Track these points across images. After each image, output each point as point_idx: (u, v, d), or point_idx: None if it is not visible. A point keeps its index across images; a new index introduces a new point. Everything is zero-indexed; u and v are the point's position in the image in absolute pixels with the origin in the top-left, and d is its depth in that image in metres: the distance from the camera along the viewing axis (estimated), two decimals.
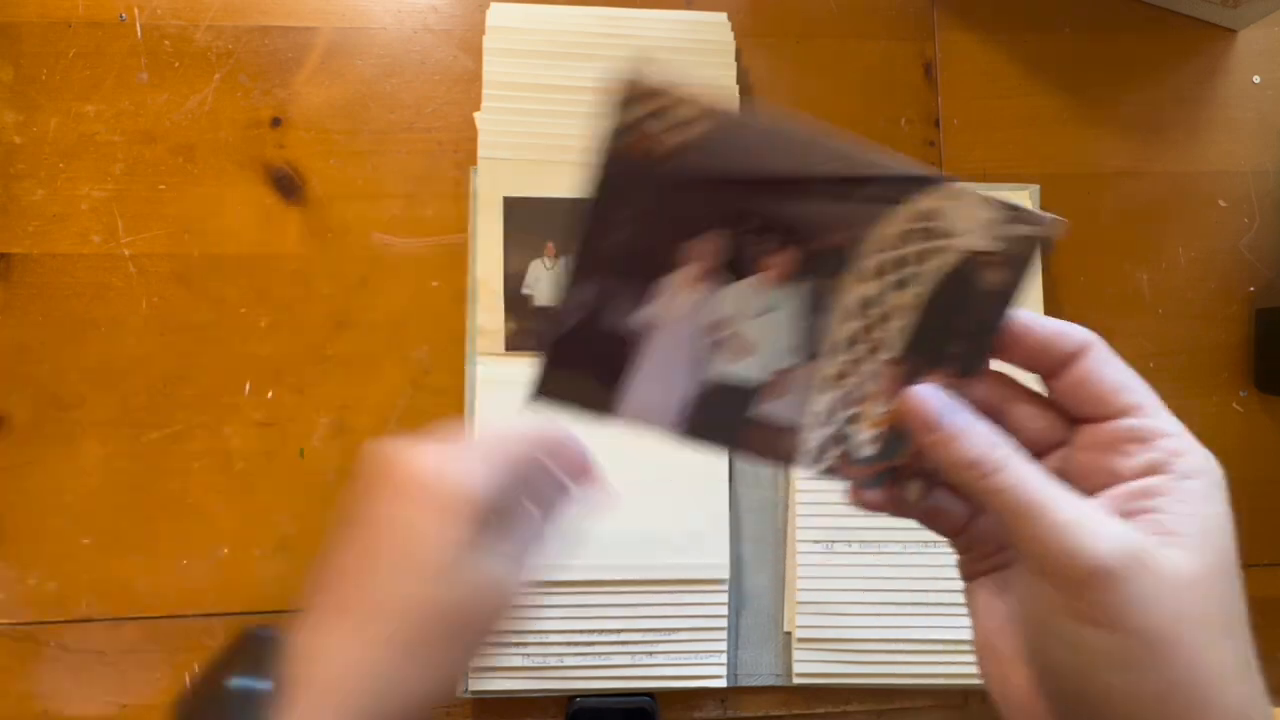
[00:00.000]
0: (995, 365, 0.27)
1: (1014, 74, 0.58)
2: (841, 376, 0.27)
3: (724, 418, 0.28)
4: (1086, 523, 0.23)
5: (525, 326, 0.52)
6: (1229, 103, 0.59)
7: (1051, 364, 0.26)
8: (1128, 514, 0.24)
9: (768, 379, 0.27)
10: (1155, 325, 0.57)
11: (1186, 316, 0.57)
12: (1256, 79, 0.59)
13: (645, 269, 0.26)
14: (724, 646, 0.51)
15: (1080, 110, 0.58)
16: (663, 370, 0.27)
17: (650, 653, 0.50)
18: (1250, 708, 0.23)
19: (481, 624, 0.30)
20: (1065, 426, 0.27)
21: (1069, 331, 0.25)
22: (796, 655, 0.51)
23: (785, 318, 0.27)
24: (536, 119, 0.53)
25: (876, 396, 0.27)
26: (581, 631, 0.50)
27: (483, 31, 0.54)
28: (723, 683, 0.51)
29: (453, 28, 0.55)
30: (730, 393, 0.27)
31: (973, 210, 0.26)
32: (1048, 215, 0.26)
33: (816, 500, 0.52)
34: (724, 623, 0.51)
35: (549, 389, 0.27)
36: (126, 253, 0.52)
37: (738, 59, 0.54)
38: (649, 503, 0.50)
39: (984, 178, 0.56)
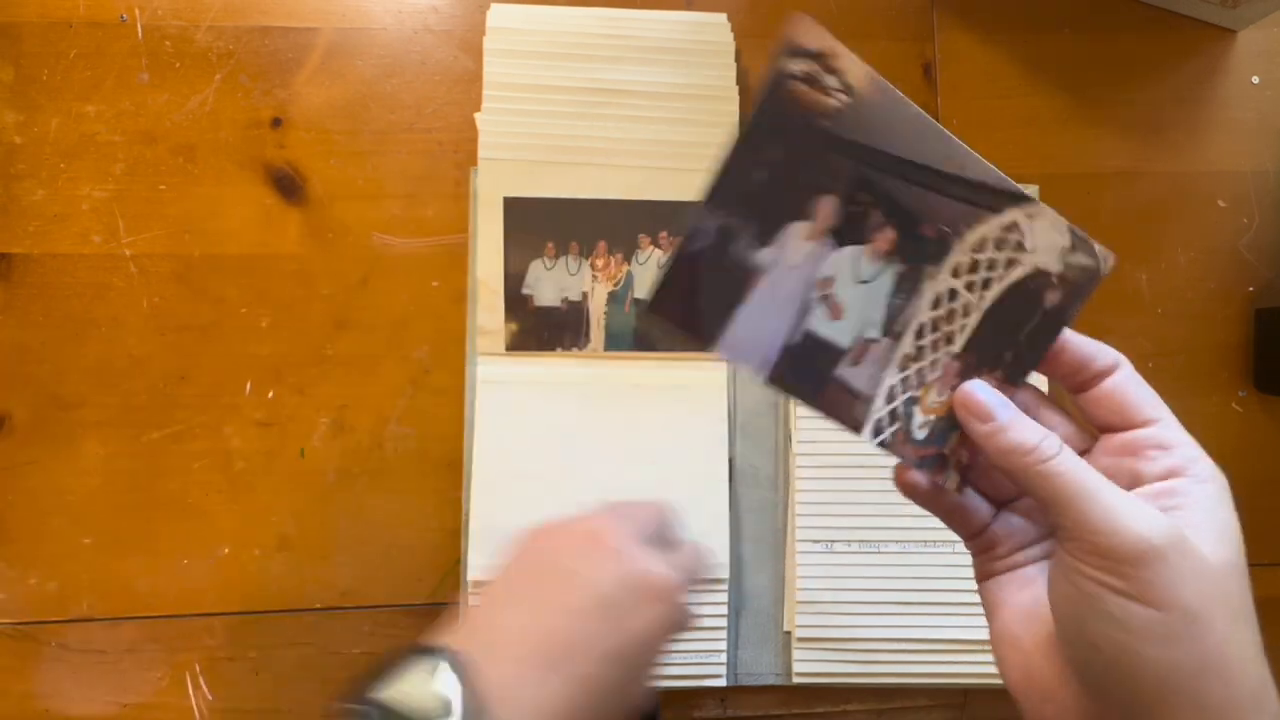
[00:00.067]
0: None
1: (1014, 74, 0.58)
2: (912, 359, 0.29)
3: (810, 371, 0.29)
4: (1133, 508, 0.26)
5: (525, 326, 0.53)
6: (1229, 103, 0.59)
7: (1085, 378, 0.29)
8: None
9: (852, 345, 0.29)
10: (1154, 325, 0.57)
11: (1186, 316, 0.57)
12: (1256, 79, 0.59)
13: (774, 212, 0.28)
14: (724, 646, 0.51)
15: (1080, 110, 0.58)
16: (767, 312, 0.28)
17: None
18: (1266, 685, 0.26)
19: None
20: (1087, 436, 0.30)
21: (1103, 351, 0.29)
22: (796, 655, 0.51)
23: (878, 292, 0.29)
24: (536, 119, 0.53)
25: (934, 385, 0.29)
26: None
27: (483, 32, 0.54)
28: (722, 682, 0.51)
29: (453, 28, 0.55)
30: (820, 348, 0.29)
31: (1049, 231, 0.28)
32: (1101, 249, 0.29)
33: (816, 500, 0.52)
34: (724, 622, 0.51)
35: (662, 307, 0.28)
36: (127, 253, 0.52)
37: (737, 59, 0.54)
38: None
39: None
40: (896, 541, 0.51)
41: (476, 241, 0.53)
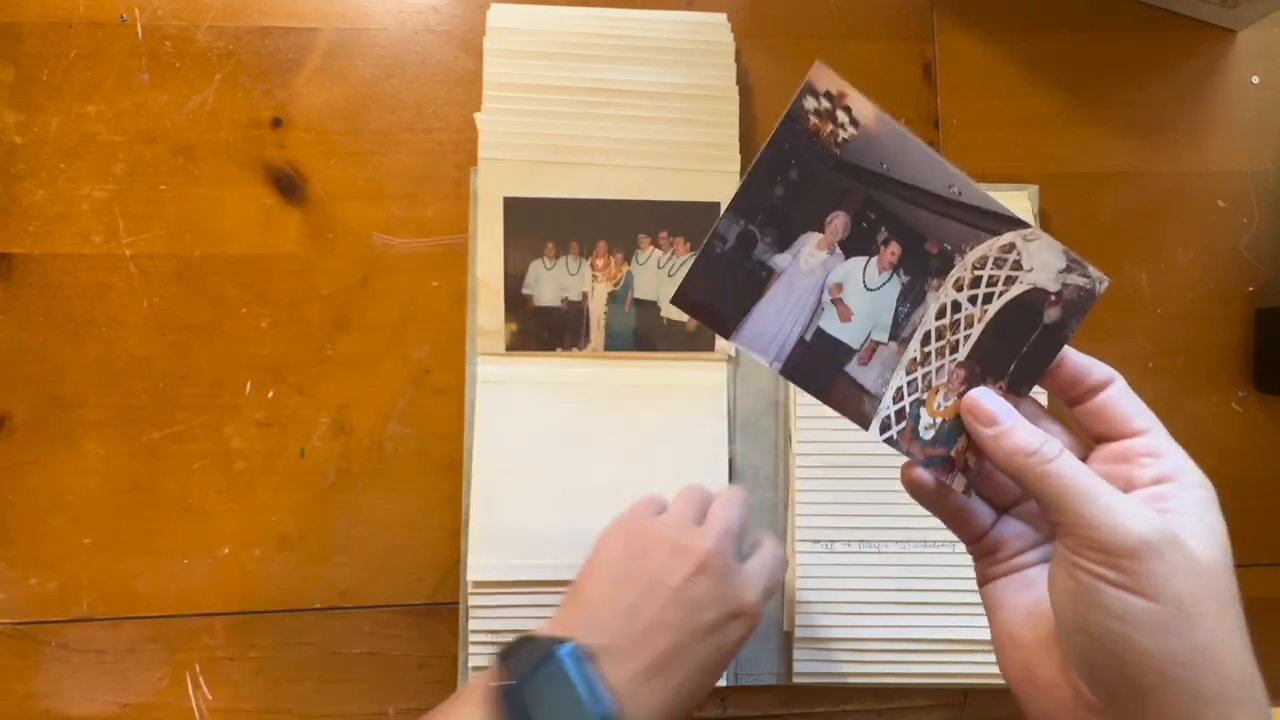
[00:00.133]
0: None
1: (1013, 74, 0.58)
2: (918, 364, 0.32)
3: (820, 366, 0.32)
4: (1130, 508, 0.27)
5: (525, 326, 0.53)
6: (1228, 103, 0.59)
7: (1081, 392, 0.31)
8: None
9: (860, 346, 0.32)
10: (1154, 325, 0.57)
11: (1185, 316, 0.57)
12: (1256, 79, 0.59)
13: (791, 223, 0.31)
14: None
15: (1080, 110, 0.58)
16: (782, 309, 0.32)
17: None
18: (1253, 676, 0.27)
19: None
20: (1083, 446, 0.32)
21: (1098, 367, 0.31)
22: (796, 655, 0.51)
23: (885, 299, 0.32)
24: (536, 120, 0.53)
25: (940, 389, 0.32)
26: None
27: (483, 32, 0.54)
28: (722, 682, 0.51)
29: (453, 28, 0.55)
30: (831, 345, 0.32)
31: (1045, 253, 0.31)
32: (1096, 271, 0.31)
33: (816, 500, 0.52)
34: None
35: (687, 298, 0.32)
36: (127, 253, 0.52)
37: (738, 59, 0.55)
38: None
39: (984, 178, 0.56)
40: (896, 541, 0.51)
41: (476, 241, 0.53)
